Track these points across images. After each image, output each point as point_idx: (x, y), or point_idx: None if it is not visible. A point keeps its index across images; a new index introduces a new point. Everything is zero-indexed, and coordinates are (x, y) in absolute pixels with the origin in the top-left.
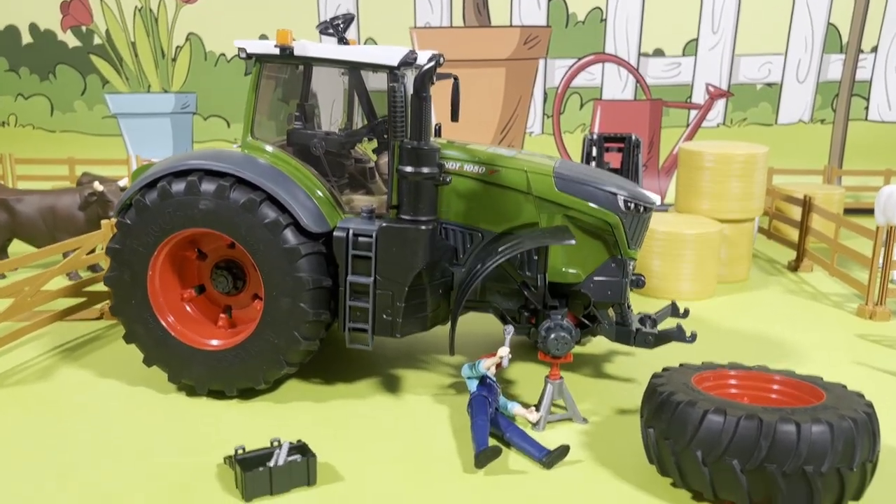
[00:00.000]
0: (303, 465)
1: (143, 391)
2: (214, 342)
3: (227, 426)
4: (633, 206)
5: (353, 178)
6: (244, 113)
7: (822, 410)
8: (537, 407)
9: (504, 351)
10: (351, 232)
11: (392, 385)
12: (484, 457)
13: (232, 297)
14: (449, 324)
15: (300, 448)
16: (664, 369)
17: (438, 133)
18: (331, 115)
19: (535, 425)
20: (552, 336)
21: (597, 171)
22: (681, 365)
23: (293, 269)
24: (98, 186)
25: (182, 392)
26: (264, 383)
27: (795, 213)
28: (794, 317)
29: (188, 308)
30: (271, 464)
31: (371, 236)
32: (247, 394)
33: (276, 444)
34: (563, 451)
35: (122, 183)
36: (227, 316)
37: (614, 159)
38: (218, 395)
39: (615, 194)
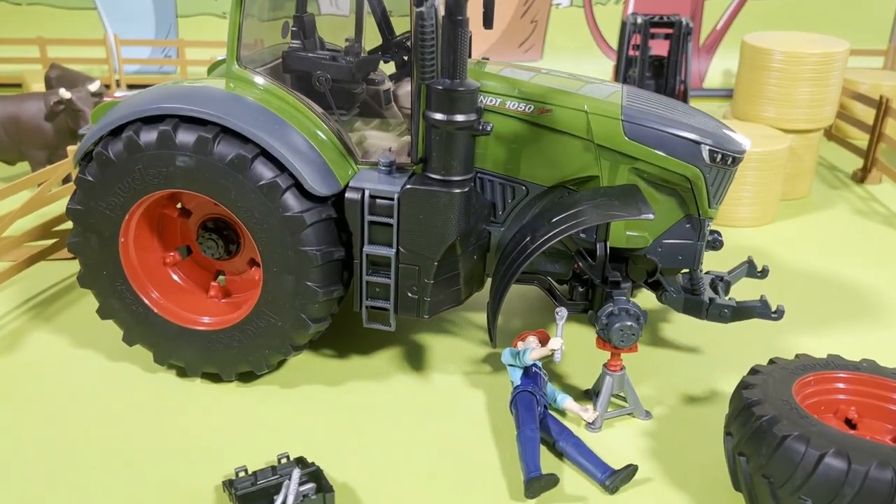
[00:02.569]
0: (317, 502)
1: (126, 369)
2: (206, 319)
3: (224, 424)
4: (719, 157)
5: (366, 105)
6: (228, 33)
7: None
8: (592, 397)
9: (556, 343)
10: (367, 194)
11: (416, 360)
12: (537, 486)
13: (224, 261)
14: (488, 303)
15: (313, 474)
16: (753, 371)
17: (469, 49)
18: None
19: (590, 425)
20: (616, 325)
21: (672, 105)
22: (772, 361)
23: (296, 241)
24: (65, 94)
25: (172, 372)
26: (266, 368)
27: (862, 111)
28: (867, 251)
29: (173, 275)
30: (279, 502)
31: (392, 199)
32: (247, 377)
33: (283, 461)
34: (631, 471)
35: (92, 88)
36: (219, 283)
37: (660, 47)
38: (213, 377)
39: (699, 143)
